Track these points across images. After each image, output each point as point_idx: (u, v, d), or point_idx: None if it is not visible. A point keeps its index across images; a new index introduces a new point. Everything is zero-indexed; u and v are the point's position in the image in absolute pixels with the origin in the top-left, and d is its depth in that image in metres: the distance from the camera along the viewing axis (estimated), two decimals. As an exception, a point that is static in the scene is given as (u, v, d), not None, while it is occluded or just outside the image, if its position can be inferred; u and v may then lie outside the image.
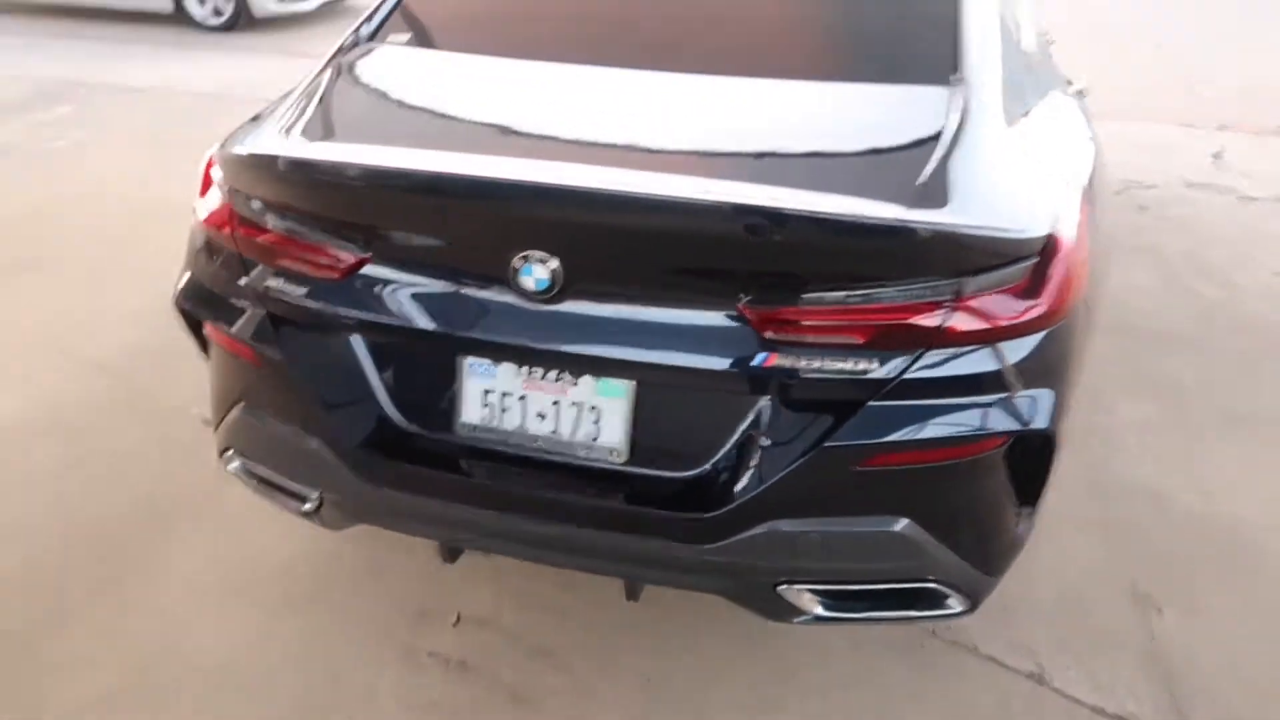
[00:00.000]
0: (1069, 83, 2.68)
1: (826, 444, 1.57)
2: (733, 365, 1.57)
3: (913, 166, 1.60)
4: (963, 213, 1.52)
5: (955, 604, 1.77)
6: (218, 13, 8.25)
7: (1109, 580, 2.36)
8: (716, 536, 1.65)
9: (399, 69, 2.15)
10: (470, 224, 1.65)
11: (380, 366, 1.77)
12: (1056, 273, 1.58)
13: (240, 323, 1.85)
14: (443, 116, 1.96)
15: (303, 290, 1.75)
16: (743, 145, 1.73)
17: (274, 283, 1.77)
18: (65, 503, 2.56)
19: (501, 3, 2.36)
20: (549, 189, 1.54)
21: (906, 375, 1.54)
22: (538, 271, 1.57)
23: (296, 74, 2.12)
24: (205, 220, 1.90)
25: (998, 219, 1.55)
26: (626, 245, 1.58)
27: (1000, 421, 1.58)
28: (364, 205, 1.72)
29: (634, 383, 1.65)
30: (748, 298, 1.54)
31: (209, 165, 1.93)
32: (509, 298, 1.62)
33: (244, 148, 1.80)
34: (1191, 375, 3.27)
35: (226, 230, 1.83)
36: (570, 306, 1.60)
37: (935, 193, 1.54)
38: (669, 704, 2.03)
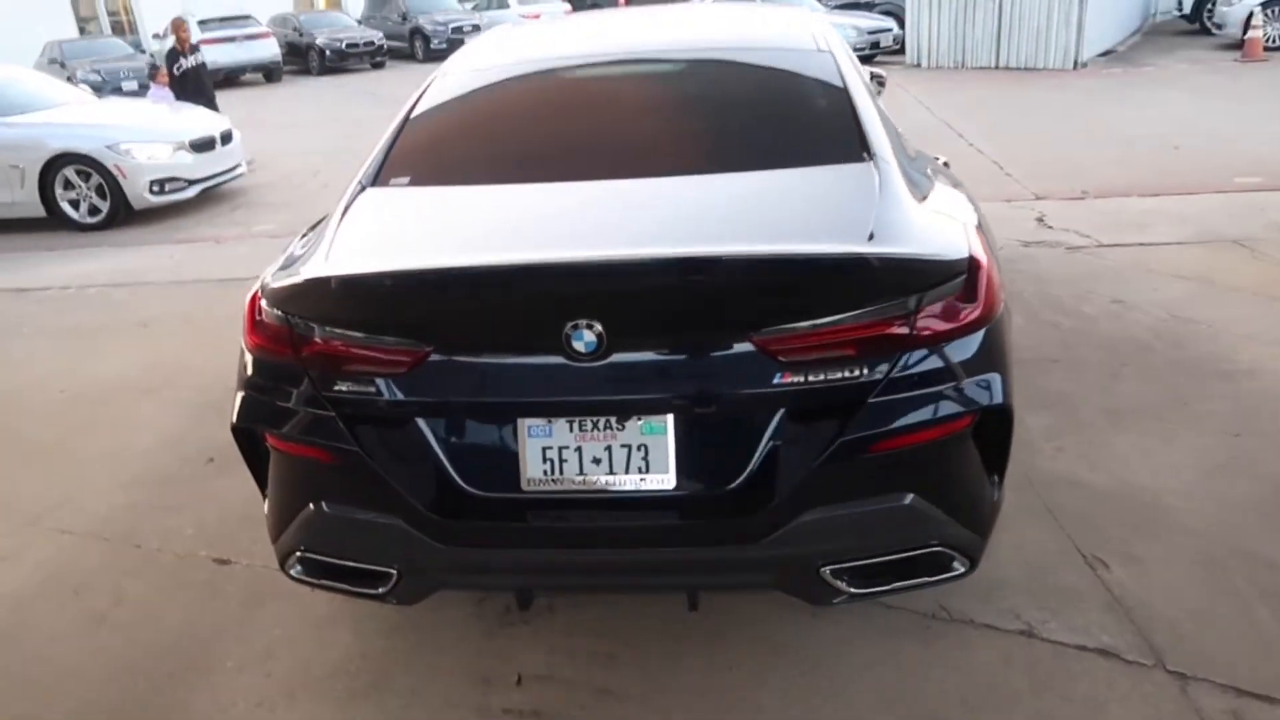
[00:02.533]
0: (935, 158, 3.28)
1: (842, 439, 1.94)
2: (756, 388, 1.94)
3: (862, 219, 2.08)
4: (912, 245, 1.99)
5: (959, 565, 2.12)
6: (94, 211, 8.32)
7: (1061, 551, 2.78)
8: (764, 533, 1.97)
9: (411, 203, 2.49)
10: (524, 305, 1.98)
11: (446, 443, 2.04)
12: (982, 282, 2.04)
13: (309, 428, 2.09)
14: (469, 231, 2.31)
15: (372, 388, 2.02)
16: (725, 217, 2.17)
17: (343, 386, 2.03)
18: (106, 651, 2.62)
19: (480, 143, 2.76)
20: (589, 265, 1.92)
21: (894, 374, 1.94)
22: (586, 336, 1.90)
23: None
24: (260, 346, 2.15)
25: (935, 248, 2.02)
26: (655, 304, 1.95)
27: (969, 401, 2.00)
28: (423, 305, 2.02)
29: (673, 417, 1.99)
30: (760, 330, 1.92)
31: (255, 299, 2.19)
32: (560, 362, 1.94)
33: (298, 276, 2.08)
34: (1071, 387, 3.84)
35: (287, 351, 2.09)
36: (614, 362, 1.94)
37: (887, 235, 2.01)
38: (727, 708, 2.28)
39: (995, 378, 2.03)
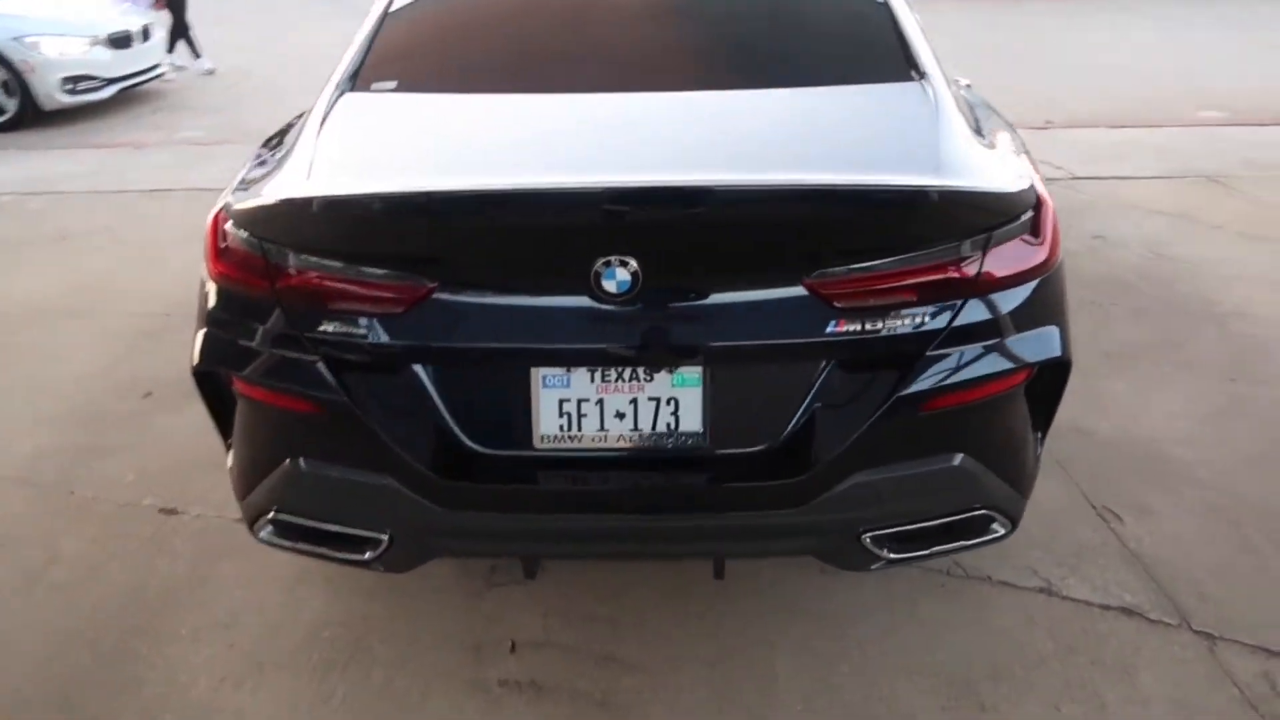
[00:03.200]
0: (956, 81, 3.05)
1: (897, 394, 1.74)
2: (805, 336, 1.72)
3: (926, 147, 1.84)
4: (980, 178, 1.77)
5: (999, 527, 1.97)
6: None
7: (1075, 505, 2.67)
8: (806, 497, 1.78)
9: (402, 112, 2.16)
10: (548, 236, 1.71)
11: (448, 394, 1.78)
12: (1048, 220, 1.84)
13: (287, 373, 1.81)
14: (475, 148, 1.99)
15: (362, 329, 1.75)
16: (774, 141, 1.90)
17: (329, 327, 1.76)
18: (43, 616, 2.33)
19: (478, 42, 2.43)
20: (629, 191, 1.64)
21: (955, 323, 1.74)
22: (619, 274, 1.65)
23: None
24: (226, 276, 1.84)
25: (1003, 182, 1.80)
26: (699, 239, 1.70)
27: (1030, 353, 1.81)
28: (427, 234, 1.74)
29: (708, 369, 1.76)
30: (814, 272, 1.69)
31: (217, 221, 1.88)
32: (584, 304, 1.69)
33: (273, 195, 1.78)
34: (1065, 328, 3.72)
35: (262, 284, 1.79)
36: (647, 304, 1.69)
37: (953, 166, 1.78)
38: (742, 678, 2.12)
39: (1057, 328, 1.85)
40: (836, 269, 1.69)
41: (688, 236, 1.69)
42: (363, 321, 1.74)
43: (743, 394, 1.79)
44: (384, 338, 1.74)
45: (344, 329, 1.75)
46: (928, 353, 1.74)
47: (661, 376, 1.77)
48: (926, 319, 1.73)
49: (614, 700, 2.06)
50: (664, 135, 1.96)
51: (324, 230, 1.75)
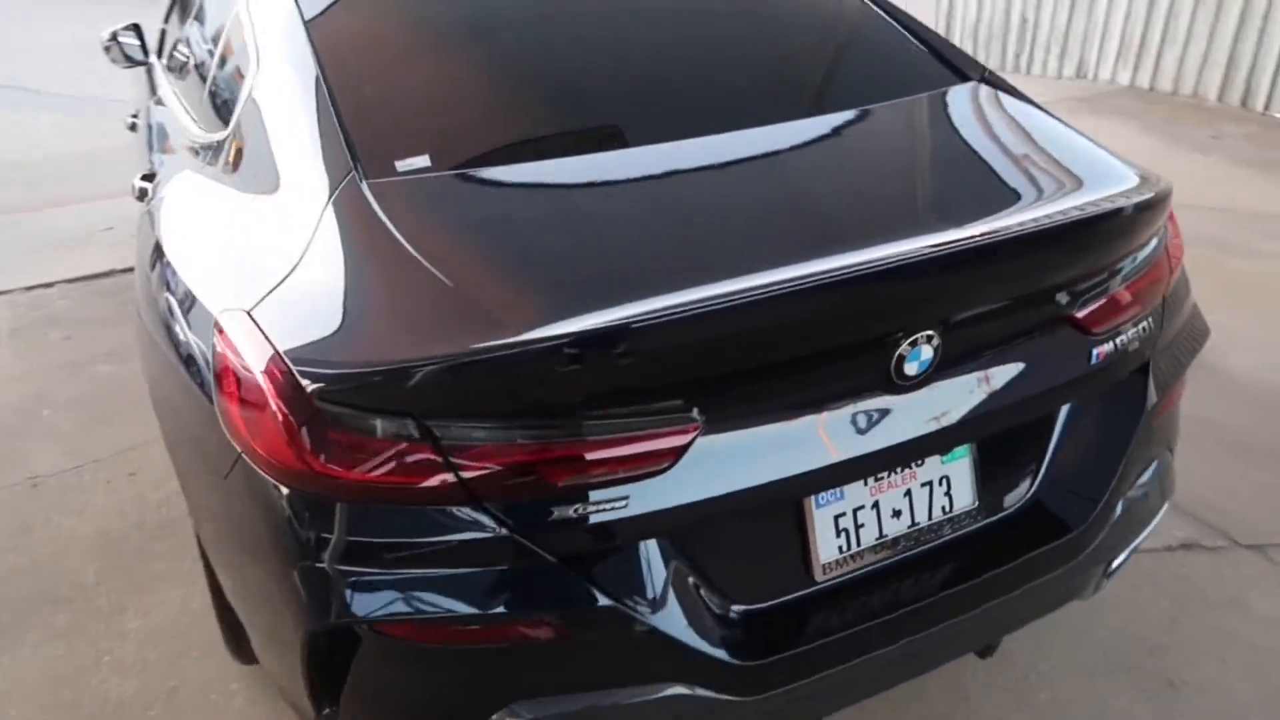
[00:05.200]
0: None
1: (1144, 409, 1.66)
2: (1072, 372, 1.57)
3: (1084, 150, 1.75)
4: (1142, 180, 1.64)
5: (1162, 512, 1.97)
6: None
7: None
8: (1091, 539, 1.63)
9: (477, 202, 1.56)
10: (835, 329, 1.36)
11: (710, 552, 1.39)
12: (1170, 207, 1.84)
13: (511, 591, 1.29)
14: (642, 242, 1.45)
15: (608, 500, 1.28)
16: (948, 169, 1.69)
17: (570, 510, 1.27)
18: None
19: (495, 85, 1.81)
20: (926, 261, 1.34)
21: (1164, 322, 1.69)
22: (924, 352, 1.38)
23: None
24: (355, 481, 1.24)
25: (1145, 180, 1.65)
26: (981, 296, 1.46)
27: (1200, 325, 1.82)
28: (683, 364, 1.29)
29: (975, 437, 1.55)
30: (1076, 304, 1.54)
31: (286, 402, 1.25)
32: (876, 398, 1.40)
33: (415, 352, 1.20)
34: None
35: (433, 481, 1.24)
36: (939, 380, 1.44)
37: (1111, 164, 1.70)
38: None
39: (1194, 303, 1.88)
40: (1091, 295, 1.56)
41: (973, 295, 1.45)
42: (610, 492, 1.28)
43: (1010, 450, 1.61)
44: (647, 504, 1.29)
45: (591, 507, 1.28)
46: (1153, 362, 1.68)
47: (932, 458, 1.53)
48: (1150, 325, 1.66)
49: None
50: (833, 184, 1.63)
51: (537, 388, 1.25)
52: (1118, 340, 1.59)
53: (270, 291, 1.40)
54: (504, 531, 1.25)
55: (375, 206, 1.45)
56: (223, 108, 2.04)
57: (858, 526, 1.48)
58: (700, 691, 1.36)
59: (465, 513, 1.25)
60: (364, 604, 1.28)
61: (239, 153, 1.81)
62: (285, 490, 1.28)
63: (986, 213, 1.47)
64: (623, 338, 1.21)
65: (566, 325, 1.21)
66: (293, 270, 1.42)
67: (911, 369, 1.38)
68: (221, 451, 1.39)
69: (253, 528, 1.39)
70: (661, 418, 1.28)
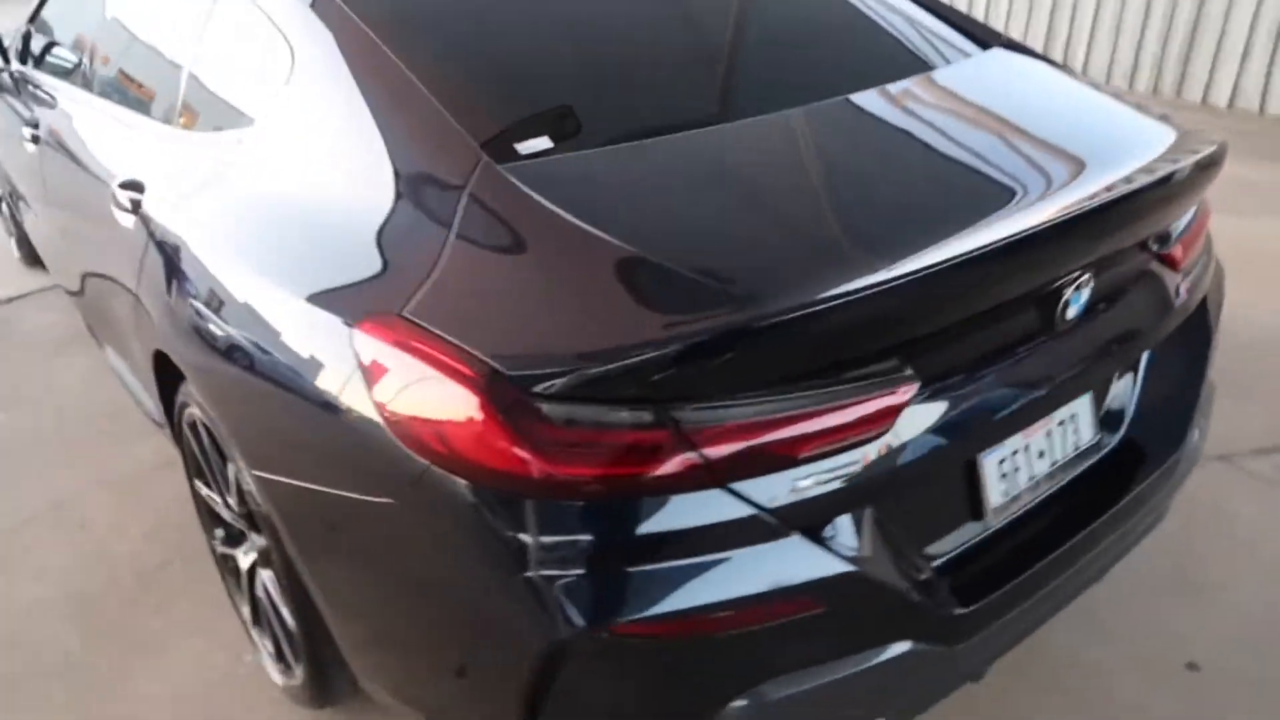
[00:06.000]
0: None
1: (1212, 337, 1.83)
2: (1165, 305, 1.70)
3: (1111, 106, 1.87)
4: (1188, 132, 1.75)
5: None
6: None
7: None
8: (1188, 460, 1.77)
9: (622, 180, 1.47)
10: (1022, 282, 1.41)
11: (899, 516, 1.40)
12: None
13: (756, 573, 1.25)
14: (814, 216, 1.42)
15: (841, 467, 1.27)
16: (1036, 127, 1.73)
17: (808, 481, 1.25)
18: None
19: (585, 55, 1.77)
20: (1089, 212, 1.39)
21: (1208, 255, 1.87)
22: (1083, 295, 1.48)
23: None
24: (606, 475, 1.18)
25: (1188, 131, 1.75)
26: (1118, 243, 1.55)
27: (1222, 277, 2.01)
28: (900, 326, 1.30)
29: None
30: (1164, 245, 1.69)
31: (492, 405, 1.17)
32: (1038, 344, 1.48)
33: (642, 338, 1.15)
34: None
35: (671, 465, 1.18)
36: (1087, 321, 1.54)
37: (1149, 125, 1.78)
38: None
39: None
40: (1177, 236, 1.71)
41: (1114, 240, 1.53)
42: (836, 458, 1.27)
43: (1117, 385, 1.73)
44: (873, 467, 1.29)
45: (823, 477, 1.26)
46: (1205, 298, 1.83)
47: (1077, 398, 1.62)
48: (1205, 260, 1.83)
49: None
50: (951, 149, 1.63)
51: (777, 359, 1.22)
52: (1193, 275, 1.75)
53: (418, 290, 1.29)
54: (748, 510, 1.22)
55: (526, 190, 1.36)
56: (230, 106, 1.88)
57: (1015, 470, 1.54)
58: (924, 646, 1.38)
59: (709, 496, 1.20)
60: (612, 607, 1.21)
61: (284, 151, 1.68)
62: (500, 497, 1.19)
63: (1099, 166, 1.55)
64: (861, 304, 1.20)
65: (805, 294, 1.19)
66: (436, 264, 1.32)
67: (1072, 312, 1.46)
68: (393, 468, 1.27)
69: (445, 544, 1.28)
70: (883, 379, 1.28)
